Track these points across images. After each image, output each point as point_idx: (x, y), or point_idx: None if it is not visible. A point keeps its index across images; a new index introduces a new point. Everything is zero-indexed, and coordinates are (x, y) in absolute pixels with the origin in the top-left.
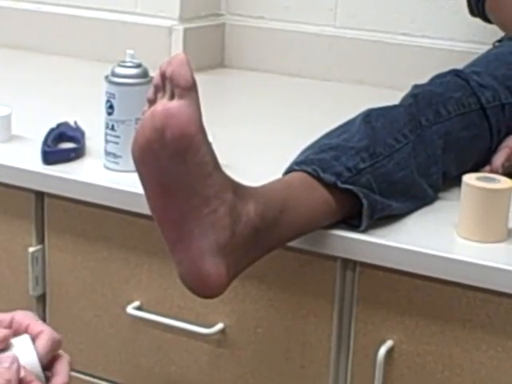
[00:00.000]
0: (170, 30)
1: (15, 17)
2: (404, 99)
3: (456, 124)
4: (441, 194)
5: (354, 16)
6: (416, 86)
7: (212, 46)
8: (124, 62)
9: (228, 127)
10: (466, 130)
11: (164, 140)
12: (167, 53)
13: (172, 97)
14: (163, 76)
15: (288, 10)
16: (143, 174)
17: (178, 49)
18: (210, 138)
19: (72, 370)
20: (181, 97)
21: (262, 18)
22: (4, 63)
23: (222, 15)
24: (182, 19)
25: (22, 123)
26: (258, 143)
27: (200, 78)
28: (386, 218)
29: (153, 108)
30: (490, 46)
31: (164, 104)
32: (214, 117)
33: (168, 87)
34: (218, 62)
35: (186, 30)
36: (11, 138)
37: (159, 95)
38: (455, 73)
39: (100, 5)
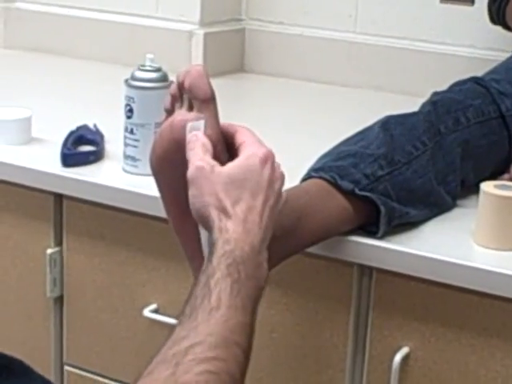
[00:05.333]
0: (191, 34)
1: (37, 20)
2: (423, 106)
3: (475, 132)
4: (459, 202)
5: (373, 22)
6: (435, 93)
7: (232, 50)
8: (144, 65)
9: None
10: (484, 138)
11: (183, 152)
12: (187, 57)
13: (190, 108)
14: (181, 86)
15: (308, 15)
16: (161, 184)
17: (198, 53)
18: None
19: (88, 371)
20: (200, 109)
21: (281, 23)
22: (26, 66)
23: (242, 20)
24: (202, 24)
25: (42, 125)
26: (277, 149)
27: (219, 83)
28: (403, 224)
29: (171, 118)
30: (510, 54)
31: (183, 115)
32: (232, 121)
33: (186, 97)
34: (238, 66)
35: (206, 35)
36: (31, 140)
37: (177, 105)
38: (475, 80)
39: (121, 8)
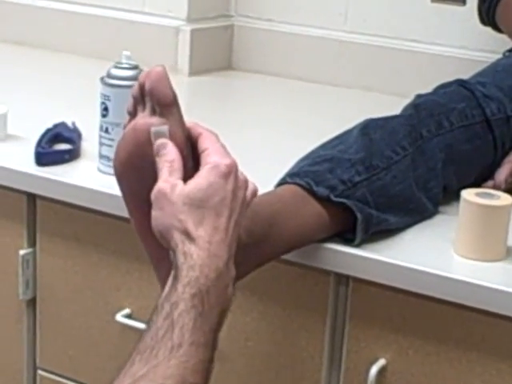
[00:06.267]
0: (177, 30)
1: (20, 13)
2: (405, 109)
3: (458, 136)
4: (441, 208)
5: (364, 21)
6: (418, 96)
7: (220, 47)
8: (120, 63)
9: (233, 130)
10: (468, 143)
11: (146, 156)
12: (174, 54)
13: (153, 111)
14: (142, 89)
15: (298, 13)
16: (125, 190)
17: (184, 50)
18: None
19: (61, 376)
20: (162, 114)
21: (271, 20)
22: (7, 59)
23: (231, 16)
24: (189, 20)
25: (19, 122)
26: (263, 147)
27: (206, 80)
28: (382, 232)
29: (134, 121)
30: (501, 56)
31: (146, 119)
32: (219, 119)
33: (148, 100)
34: (226, 64)
35: (193, 31)
36: (6, 137)
37: (139, 108)
38: (460, 83)
39: (107, 3)
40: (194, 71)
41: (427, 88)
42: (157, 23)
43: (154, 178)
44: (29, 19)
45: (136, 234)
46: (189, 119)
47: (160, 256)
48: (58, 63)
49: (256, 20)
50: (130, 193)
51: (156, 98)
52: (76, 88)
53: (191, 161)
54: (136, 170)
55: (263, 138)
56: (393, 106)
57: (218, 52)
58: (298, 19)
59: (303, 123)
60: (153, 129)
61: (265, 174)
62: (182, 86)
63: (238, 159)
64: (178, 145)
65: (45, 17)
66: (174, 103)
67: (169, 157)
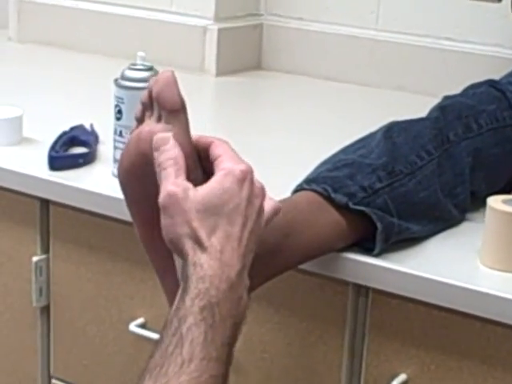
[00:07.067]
0: (205, 29)
1: (51, 14)
2: (431, 111)
3: (488, 139)
4: (468, 215)
5: (396, 19)
6: (446, 98)
7: (248, 47)
8: (134, 64)
9: (260, 132)
10: (498, 147)
11: (150, 165)
12: (201, 53)
13: (159, 118)
14: (150, 94)
15: (328, 11)
16: (129, 200)
17: (211, 49)
18: None
19: None
20: (167, 121)
21: (301, 19)
22: (36, 60)
23: (260, 15)
24: (217, 19)
25: (38, 125)
26: (289, 150)
27: (234, 81)
28: (404, 241)
29: (139, 129)
30: None
31: (151, 127)
32: (246, 121)
33: (156, 106)
34: (255, 64)
35: (220, 30)
36: (22, 140)
37: (147, 114)
38: (491, 83)
39: (134, 2)
40: (221, 71)
41: (460, 88)
42: (184, 23)
43: (157, 186)
44: (54, 19)
45: (141, 243)
46: (215, 120)
47: (166, 267)
48: (83, 64)
49: (286, 19)
50: (135, 203)
51: (162, 104)
52: (99, 89)
53: (198, 171)
54: (140, 179)
55: (291, 140)
56: (425, 106)
57: (246, 52)
58: (328, 18)
59: (333, 124)
60: (155, 137)
61: (288, 177)
62: (209, 87)
63: (262, 161)
64: (183, 153)
65: (70, 17)
66: (180, 109)
67: (171, 153)
